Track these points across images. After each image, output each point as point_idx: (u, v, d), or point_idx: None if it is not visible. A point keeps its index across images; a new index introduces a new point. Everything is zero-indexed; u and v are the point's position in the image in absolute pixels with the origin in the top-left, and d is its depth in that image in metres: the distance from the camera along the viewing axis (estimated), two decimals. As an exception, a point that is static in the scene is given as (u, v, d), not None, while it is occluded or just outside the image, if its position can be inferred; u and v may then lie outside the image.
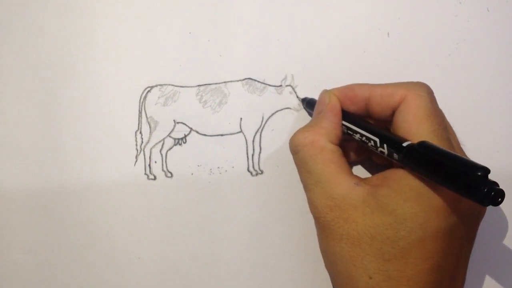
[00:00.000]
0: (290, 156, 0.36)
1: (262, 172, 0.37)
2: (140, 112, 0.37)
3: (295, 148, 0.32)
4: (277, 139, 0.37)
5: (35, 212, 0.37)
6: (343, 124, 0.32)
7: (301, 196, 0.36)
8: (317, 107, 0.34)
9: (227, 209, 0.37)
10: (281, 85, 0.37)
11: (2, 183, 0.37)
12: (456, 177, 0.24)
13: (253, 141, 0.37)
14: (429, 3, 0.38)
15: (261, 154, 0.37)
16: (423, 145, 0.26)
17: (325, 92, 0.34)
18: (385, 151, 0.29)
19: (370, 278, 0.27)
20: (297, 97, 0.37)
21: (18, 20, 0.38)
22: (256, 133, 0.37)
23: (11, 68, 0.38)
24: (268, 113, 0.37)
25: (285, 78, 0.37)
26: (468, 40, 0.37)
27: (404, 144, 0.27)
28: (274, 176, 0.37)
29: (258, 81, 0.37)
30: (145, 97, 0.37)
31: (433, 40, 0.37)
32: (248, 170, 0.37)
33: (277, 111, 0.37)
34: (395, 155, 0.28)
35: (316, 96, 0.36)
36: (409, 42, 0.37)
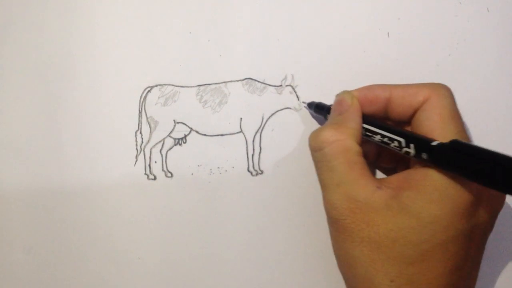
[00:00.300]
0: (290, 156, 0.36)
1: (262, 172, 0.37)
2: (140, 112, 0.37)
3: (320, 144, 0.30)
4: (277, 139, 0.37)
5: (35, 212, 0.37)
6: (363, 127, 0.32)
7: (301, 196, 0.36)
8: (337, 108, 0.33)
9: (227, 209, 0.37)
10: (281, 85, 0.37)
11: (2, 183, 0.37)
12: (493, 172, 0.23)
13: (253, 141, 0.37)
14: (429, 3, 0.38)
15: (261, 154, 0.37)
16: (456, 143, 0.26)
17: (346, 93, 0.33)
18: (412, 151, 0.28)
19: (392, 281, 0.27)
20: (297, 97, 0.37)
21: (18, 20, 0.38)
22: (256, 133, 0.37)
23: (11, 68, 0.38)
24: (268, 113, 0.37)
25: (285, 78, 0.37)
26: (468, 40, 0.37)
27: (434, 144, 0.27)
28: (274, 176, 0.37)
29: (258, 81, 0.37)
30: (145, 97, 0.37)
31: (433, 40, 0.37)
32: (248, 170, 0.37)
33: (277, 111, 0.37)
34: (424, 155, 0.27)
35: (316, 96, 0.36)
36: (409, 42, 0.37)
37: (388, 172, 0.36)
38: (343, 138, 0.30)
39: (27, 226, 0.37)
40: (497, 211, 0.30)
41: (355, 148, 0.30)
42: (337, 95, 0.33)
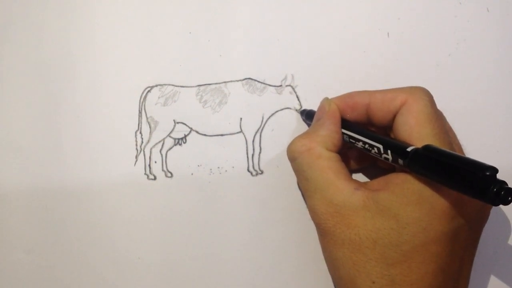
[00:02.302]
0: (290, 156, 0.36)
1: (262, 172, 0.37)
2: (140, 112, 0.37)
3: (293, 155, 0.32)
4: (277, 139, 0.37)
5: (35, 212, 0.37)
6: (345, 133, 0.32)
7: (300, 197, 0.36)
8: (316, 115, 0.34)
9: (227, 209, 0.37)
10: (281, 85, 0.37)
11: (2, 183, 0.37)
12: (464, 179, 0.23)
13: (253, 141, 0.37)
14: (429, 3, 0.38)
15: (261, 154, 0.37)
16: (428, 148, 0.26)
17: (325, 100, 0.34)
18: (390, 157, 0.29)
19: (373, 282, 0.27)
20: (297, 97, 0.37)
21: (18, 20, 0.38)
22: (256, 133, 0.37)
23: (11, 68, 0.38)
24: (268, 113, 0.37)
25: (285, 78, 0.37)
26: (468, 40, 0.37)
27: (409, 149, 0.27)
28: (274, 176, 0.37)
29: (258, 81, 0.37)
30: (145, 97, 0.37)
31: (433, 40, 0.37)
32: (248, 170, 0.37)
33: (277, 111, 0.37)
34: (400, 161, 0.28)
35: (316, 96, 0.36)
36: (409, 42, 0.37)
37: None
38: (313, 146, 0.30)
39: (27, 226, 0.37)
40: (483, 211, 0.30)
41: (326, 154, 0.30)
42: (320, 103, 0.34)
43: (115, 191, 0.37)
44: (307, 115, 0.36)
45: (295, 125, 0.37)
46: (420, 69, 0.37)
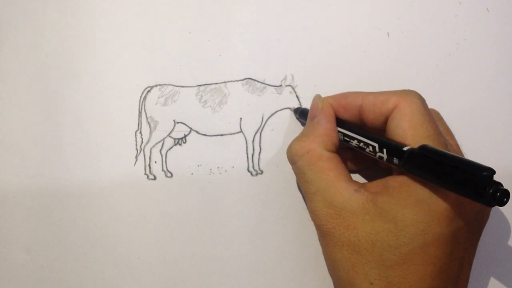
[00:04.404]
0: (290, 156, 0.36)
1: (262, 172, 0.37)
2: (140, 112, 0.37)
3: (293, 158, 0.32)
4: (277, 139, 0.37)
5: (35, 212, 0.37)
6: (339, 131, 0.32)
7: (300, 197, 0.36)
8: (310, 114, 0.34)
9: (227, 209, 0.37)
10: (281, 85, 0.37)
11: (2, 183, 0.37)
12: (460, 179, 0.23)
13: (253, 141, 0.37)
14: (429, 3, 0.38)
15: (261, 154, 0.37)
16: (424, 148, 0.26)
17: (317, 98, 0.34)
18: (384, 156, 0.29)
19: (371, 284, 0.27)
20: (297, 97, 0.37)
21: (18, 20, 0.38)
22: (256, 133, 0.37)
23: (12, 68, 0.38)
24: (268, 113, 0.37)
25: (285, 78, 0.37)
26: (468, 40, 0.37)
27: (405, 149, 0.27)
28: (274, 176, 0.37)
29: (258, 81, 0.37)
30: (145, 97, 0.37)
31: (433, 40, 0.37)
32: (248, 170, 0.37)
33: (277, 111, 0.37)
34: (395, 160, 0.28)
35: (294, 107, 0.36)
36: (409, 42, 0.37)
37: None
38: (313, 148, 0.30)
39: (27, 226, 0.37)
40: (483, 212, 0.30)
41: (326, 155, 0.30)
42: (312, 101, 0.34)
43: (115, 191, 0.37)
44: (301, 114, 0.36)
45: (295, 125, 0.37)
46: (420, 69, 0.37)
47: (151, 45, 0.38)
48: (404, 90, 0.31)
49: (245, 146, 0.37)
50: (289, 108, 0.37)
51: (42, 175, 0.37)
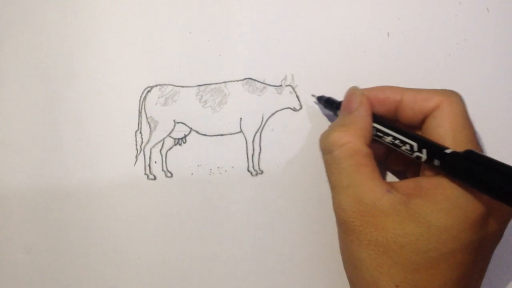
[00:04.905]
0: (290, 156, 0.36)
1: (262, 172, 0.37)
2: (140, 112, 0.37)
3: (330, 147, 0.30)
4: (277, 139, 0.37)
5: (35, 212, 0.37)
6: (374, 126, 0.31)
7: (300, 197, 0.36)
8: (346, 105, 0.32)
9: (227, 209, 0.37)
10: (281, 85, 0.37)
11: (2, 183, 0.37)
12: (505, 186, 0.23)
13: (253, 141, 0.37)
14: (429, 3, 0.38)
15: (261, 154, 0.37)
16: (470, 153, 0.26)
17: (355, 90, 0.32)
18: (423, 156, 0.28)
19: (396, 286, 0.27)
20: (297, 97, 0.37)
21: (18, 20, 0.38)
22: (256, 133, 0.37)
23: (12, 68, 0.38)
24: (268, 113, 0.37)
25: (285, 78, 0.37)
26: (468, 40, 0.37)
27: (448, 151, 0.27)
28: (274, 176, 0.37)
29: (258, 81, 0.37)
30: (145, 97, 0.37)
31: (433, 40, 0.37)
32: (248, 170, 0.37)
33: (277, 111, 0.37)
34: (436, 162, 0.27)
35: (317, 95, 0.36)
36: (409, 42, 0.37)
37: (397, 174, 0.36)
38: (353, 140, 0.29)
39: (27, 226, 0.37)
40: (507, 222, 0.30)
41: (364, 150, 0.29)
42: (347, 91, 0.33)
43: (115, 191, 0.37)
44: (327, 103, 0.35)
45: (295, 125, 0.37)
46: (420, 69, 0.37)
47: (151, 45, 0.38)
48: (447, 90, 0.30)
49: (245, 146, 0.37)
50: (290, 107, 0.37)
51: (42, 175, 0.37)
